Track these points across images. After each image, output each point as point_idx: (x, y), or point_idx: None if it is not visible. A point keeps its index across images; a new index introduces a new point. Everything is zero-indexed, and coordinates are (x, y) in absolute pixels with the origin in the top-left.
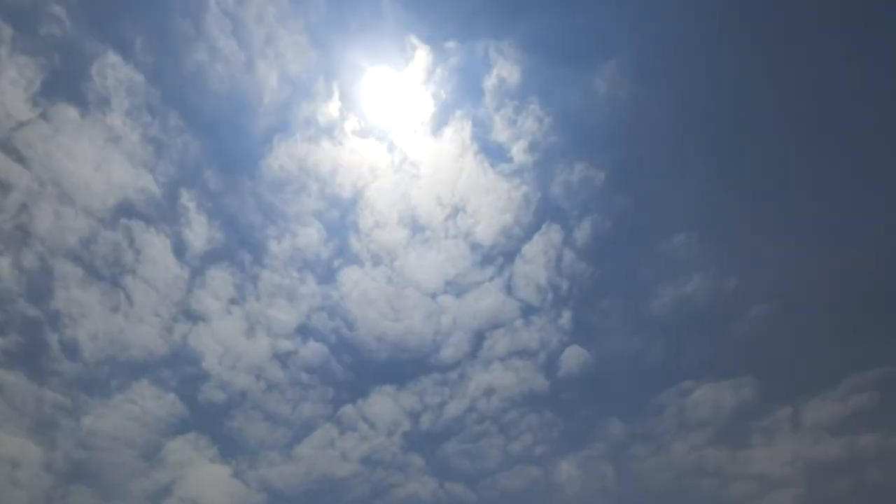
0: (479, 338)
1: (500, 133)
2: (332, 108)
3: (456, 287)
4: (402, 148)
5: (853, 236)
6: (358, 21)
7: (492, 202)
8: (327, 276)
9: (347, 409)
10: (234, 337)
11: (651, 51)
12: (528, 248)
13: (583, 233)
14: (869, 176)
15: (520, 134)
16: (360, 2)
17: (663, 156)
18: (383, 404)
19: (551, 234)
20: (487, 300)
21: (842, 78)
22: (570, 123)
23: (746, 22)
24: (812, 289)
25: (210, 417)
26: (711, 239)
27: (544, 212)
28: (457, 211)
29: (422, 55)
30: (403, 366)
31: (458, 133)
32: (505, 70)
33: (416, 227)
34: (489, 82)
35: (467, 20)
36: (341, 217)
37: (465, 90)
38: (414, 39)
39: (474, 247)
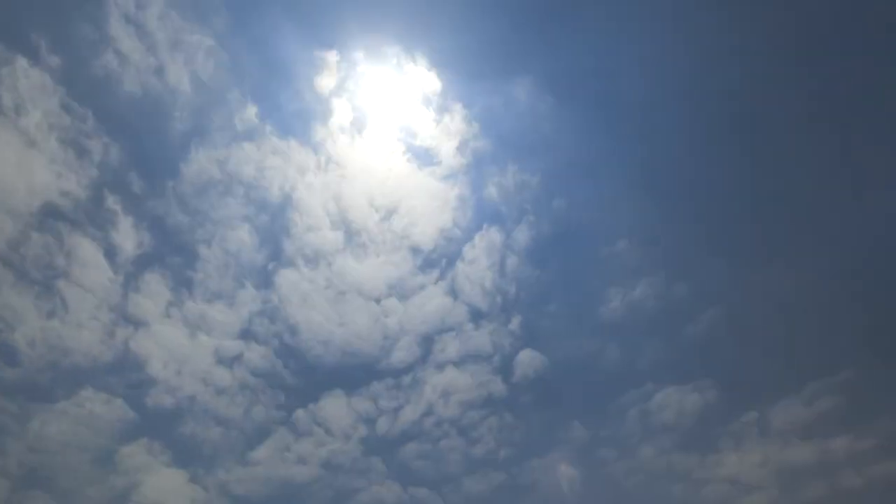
0: (428, 342)
1: (426, 136)
2: (250, 113)
3: (400, 291)
4: (327, 150)
5: (799, 245)
6: (264, 29)
7: (426, 203)
8: (264, 280)
9: (300, 414)
10: (177, 342)
11: (563, 69)
12: (469, 251)
13: (523, 235)
14: (810, 182)
15: (447, 137)
16: (264, 11)
17: (592, 165)
18: (336, 409)
19: (491, 236)
20: (433, 304)
21: (770, 83)
22: (496, 129)
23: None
24: (763, 295)
25: (161, 422)
26: (652, 246)
27: (482, 214)
28: (391, 213)
29: (332, 63)
30: (353, 371)
31: (381, 135)
32: (422, 77)
33: (350, 230)
34: (407, 88)
35: (374, 32)
36: (272, 221)
37: (384, 95)
38: (320, 49)
39: (414, 250)
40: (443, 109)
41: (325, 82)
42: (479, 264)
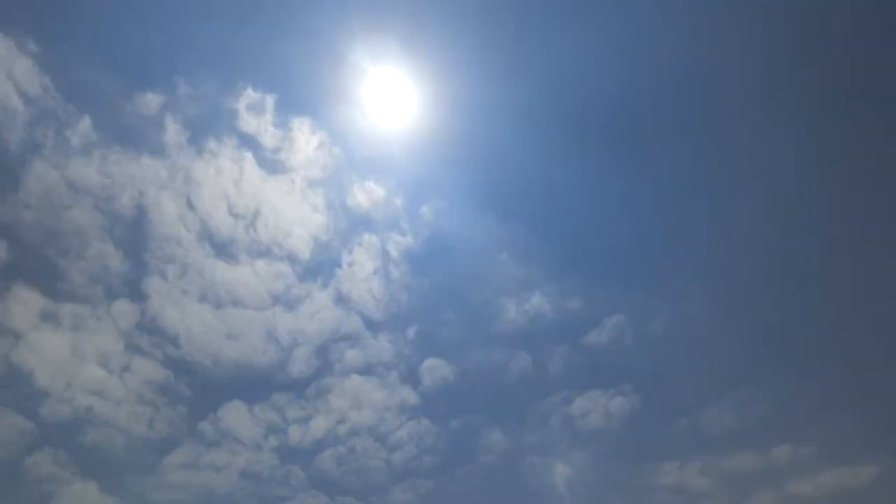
0: (325, 351)
1: (273, 146)
2: (84, 126)
3: (284, 300)
4: (171, 160)
5: (699, 254)
6: (81, 50)
7: (292, 211)
8: (133, 292)
9: (205, 425)
10: (59, 354)
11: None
12: (347, 258)
13: (400, 242)
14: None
15: (297, 147)
16: (76, 34)
17: (450, 178)
18: (239, 419)
19: (369, 242)
20: (324, 313)
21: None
22: (346, 142)
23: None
24: (665, 303)
25: (61, 433)
26: (536, 259)
27: (354, 221)
28: (254, 220)
29: (156, 83)
30: (251, 382)
31: (225, 146)
32: (256, 95)
33: (215, 240)
34: (243, 104)
35: (191, 59)
36: (128, 231)
37: (219, 111)
38: (140, 71)
39: (291, 258)
40: (285, 122)
41: (153, 99)
42: (361, 272)
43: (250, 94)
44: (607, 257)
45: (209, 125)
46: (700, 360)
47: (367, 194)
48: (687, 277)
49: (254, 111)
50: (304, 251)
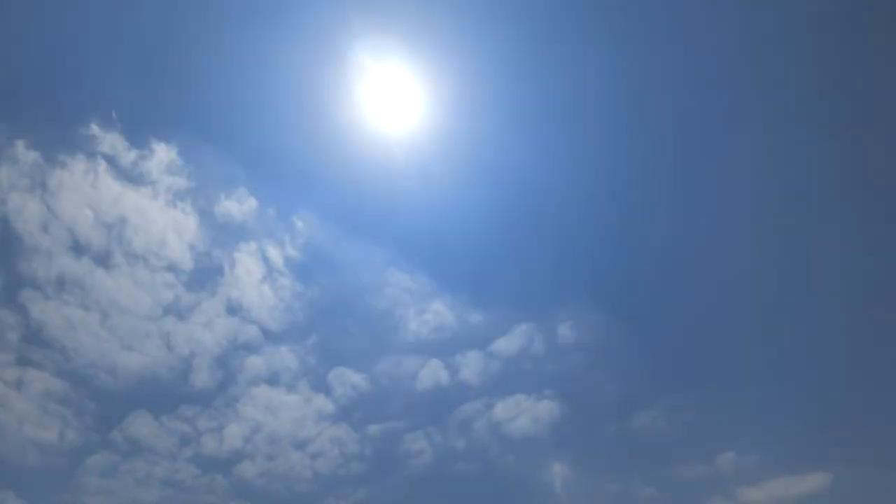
0: (226, 361)
1: (134, 160)
2: None
3: (175, 310)
4: (29, 172)
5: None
6: None
7: (159, 219)
8: (13, 305)
9: (115, 435)
10: None
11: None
12: (229, 266)
13: (279, 251)
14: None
15: (157, 159)
16: None
17: (318, 190)
18: (148, 430)
19: (248, 250)
20: (218, 322)
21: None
22: (207, 153)
23: None
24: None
25: None
26: (424, 270)
27: (227, 230)
28: (121, 227)
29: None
30: (153, 393)
31: (79, 162)
32: (107, 114)
33: (87, 248)
34: (94, 125)
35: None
36: None
37: (70, 134)
38: None
39: (172, 267)
40: (144, 140)
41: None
42: (248, 279)
43: (100, 114)
44: (503, 268)
45: (61, 147)
46: (619, 368)
47: (237, 203)
48: (590, 285)
49: (106, 129)
50: (184, 260)
